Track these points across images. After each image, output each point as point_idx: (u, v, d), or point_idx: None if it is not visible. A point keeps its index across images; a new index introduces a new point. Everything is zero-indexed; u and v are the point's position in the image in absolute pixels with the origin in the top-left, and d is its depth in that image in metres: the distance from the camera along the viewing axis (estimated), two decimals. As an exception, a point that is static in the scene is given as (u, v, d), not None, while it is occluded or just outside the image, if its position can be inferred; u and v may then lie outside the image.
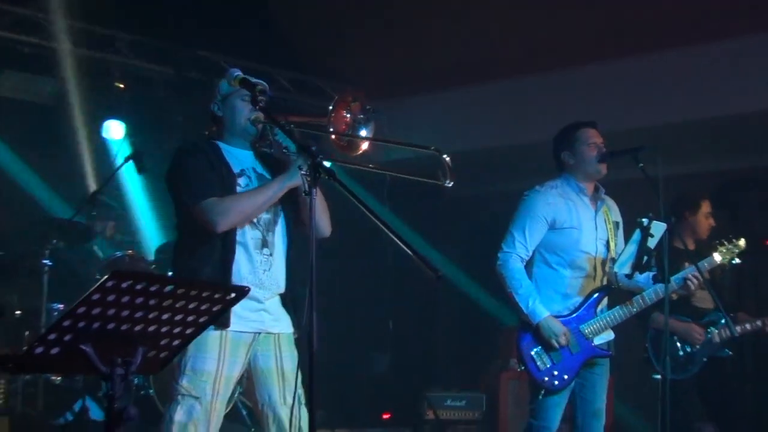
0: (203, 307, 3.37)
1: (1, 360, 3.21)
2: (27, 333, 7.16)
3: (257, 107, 4.30)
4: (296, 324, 4.57)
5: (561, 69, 8.26)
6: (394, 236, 3.99)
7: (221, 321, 4.13)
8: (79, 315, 3.08)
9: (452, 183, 4.24)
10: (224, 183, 4.42)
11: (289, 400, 4.43)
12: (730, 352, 6.61)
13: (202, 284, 3.41)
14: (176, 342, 3.40)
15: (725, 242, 5.85)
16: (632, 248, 5.50)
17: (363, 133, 4.34)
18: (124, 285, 3.09)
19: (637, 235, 5.46)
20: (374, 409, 8.39)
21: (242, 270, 4.42)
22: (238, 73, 4.31)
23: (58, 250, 7.38)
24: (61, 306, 7.16)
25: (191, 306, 3.32)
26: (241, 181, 4.49)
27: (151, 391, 6.75)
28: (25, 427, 6.67)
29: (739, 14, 7.24)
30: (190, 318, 3.35)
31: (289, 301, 4.60)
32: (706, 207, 6.70)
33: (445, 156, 4.27)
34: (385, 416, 8.37)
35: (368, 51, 8.76)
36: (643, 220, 5.40)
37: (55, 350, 3.12)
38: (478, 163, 8.53)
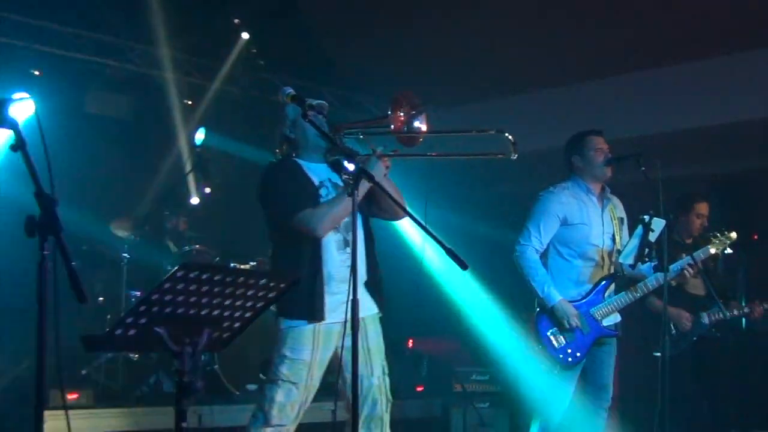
0: (260, 294, 3.38)
1: (86, 340, 3.23)
2: (108, 316, 7.21)
3: (307, 120, 4.32)
4: (379, 304, 4.58)
5: (573, 83, 8.23)
6: (428, 234, 4.01)
7: (316, 316, 4.33)
8: (153, 301, 3.10)
9: (517, 155, 4.28)
10: (312, 193, 4.45)
11: (377, 372, 4.51)
12: (719, 334, 6.58)
13: (258, 274, 3.43)
14: (237, 324, 3.42)
15: (718, 234, 5.83)
16: (635, 242, 5.51)
17: (417, 124, 4.30)
18: (191, 275, 3.11)
19: (639, 230, 5.47)
20: (411, 383, 8.38)
21: (330, 269, 4.44)
22: (290, 90, 4.33)
23: (137, 244, 7.43)
24: (138, 293, 7.20)
25: (249, 293, 3.34)
26: (322, 191, 4.49)
27: (216, 366, 6.76)
28: (107, 398, 6.71)
29: (722, 36, 7.20)
30: (249, 303, 3.37)
31: (372, 285, 4.56)
32: (698, 208, 6.65)
33: (507, 134, 4.31)
34: (419, 389, 8.37)
35: (402, 70, 8.72)
36: (645, 217, 5.42)
37: (132, 332, 3.15)
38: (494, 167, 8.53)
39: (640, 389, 7.28)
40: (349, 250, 4.42)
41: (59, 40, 7.96)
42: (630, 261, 5.56)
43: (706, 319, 6.50)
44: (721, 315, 6.44)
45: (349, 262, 4.34)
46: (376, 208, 4.59)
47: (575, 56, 7.93)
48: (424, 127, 4.31)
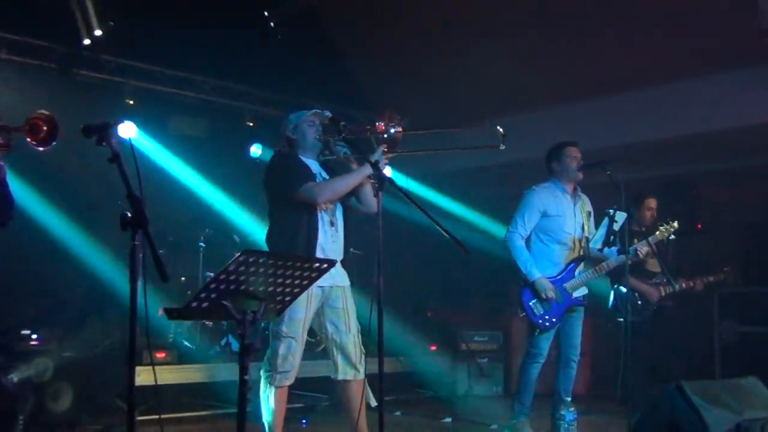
0: (305, 275, 3.40)
1: (171, 311, 3.25)
2: (189, 292, 7.23)
3: (343, 135, 4.36)
4: (351, 280, 4.63)
5: (551, 106, 8.20)
6: (434, 222, 4.01)
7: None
8: (221, 280, 3.12)
9: (505, 146, 4.34)
10: (308, 174, 4.47)
11: (353, 329, 4.54)
12: (671, 303, 6.55)
13: (305, 260, 3.44)
14: (287, 298, 3.43)
15: (665, 223, 5.80)
16: (602, 231, 5.60)
17: (392, 131, 4.29)
18: (250, 260, 3.13)
19: (605, 221, 5.55)
20: (425, 343, 8.37)
21: (321, 242, 4.44)
22: (328, 113, 4.43)
23: (210, 235, 7.47)
24: (211, 274, 7.21)
25: (296, 273, 3.35)
26: (318, 178, 4.53)
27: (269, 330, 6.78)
28: (188, 356, 6.75)
29: (667, 67, 7.17)
30: (296, 281, 3.38)
31: (345, 263, 4.61)
32: (647, 203, 6.64)
33: (498, 127, 4.36)
34: (432, 348, 8.36)
35: (422, 95, 8.71)
36: (610, 210, 5.48)
37: (205, 304, 3.16)
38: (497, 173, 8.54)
39: (609, 347, 7.29)
40: (334, 228, 4.53)
41: (148, 77, 8.03)
42: (598, 246, 5.64)
43: (662, 293, 6.50)
44: (672, 289, 6.46)
45: (335, 238, 4.53)
46: (355, 200, 4.61)
47: (549, 85, 7.91)
48: (400, 130, 4.30)
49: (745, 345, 7.17)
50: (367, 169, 4.34)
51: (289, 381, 4.45)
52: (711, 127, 7.30)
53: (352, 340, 4.51)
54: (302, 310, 4.35)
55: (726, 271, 6.54)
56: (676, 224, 5.80)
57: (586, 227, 5.69)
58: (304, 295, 4.27)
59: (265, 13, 7.76)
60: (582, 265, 5.63)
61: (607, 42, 7.33)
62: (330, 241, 4.48)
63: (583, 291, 5.62)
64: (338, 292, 4.52)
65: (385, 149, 4.25)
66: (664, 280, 6.47)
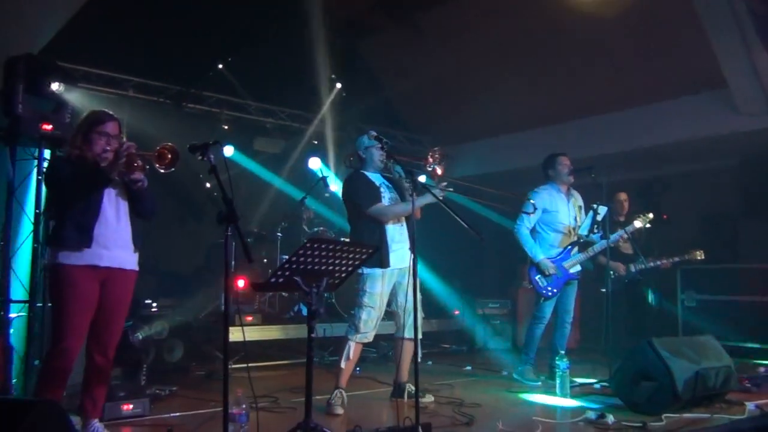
0: (357, 257, 3.40)
1: (255, 285, 3.28)
2: (270, 271, 7.28)
3: (384, 150, 4.39)
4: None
5: (548, 125, 8.09)
6: (456, 216, 4.01)
7: (384, 265, 4.40)
8: (293, 261, 3.14)
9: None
10: (376, 192, 4.53)
11: (418, 297, 4.45)
12: (641, 277, 6.46)
13: (355, 245, 3.43)
14: (344, 275, 3.44)
15: (641, 215, 5.70)
16: (588, 221, 5.59)
17: (437, 169, 4.29)
18: (315, 245, 3.13)
19: (591, 213, 5.52)
20: (449, 308, 8.33)
21: (392, 234, 4.51)
22: (373, 132, 4.44)
23: (285, 227, 7.51)
24: (285, 256, 7.24)
25: (350, 256, 3.36)
26: (382, 190, 4.57)
27: (333, 300, 6.79)
28: (269, 319, 6.78)
29: (644, 91, 7.06)
30: (350, 262, 3.38)
31: (412, 248, 4.52)
32: (618, 197, 6.59)
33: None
34: (456, 312, 8.31)
35: (452, 118, 8.68)
36: (594, 205, 5.48)
37: (281, 279, 3.18)
38: (493, 183, 8.46)
39: (593, 312, 7.22)
40: (400, 223, 4.57)
41: (239, 108, 8.09)
42: (585, 233, 5.59)
43: (633, 269, 6.40)
44: (643, 266, 6.36)
45: (402, 231, 4.56)
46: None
47: (549, 108, 7.80)
48: (440, 171, 4.30)
49: (703, 309, 7.06)
50: (424, 201, 4.32)
51: (368, 340, 4.53)
52: (673, 138, 7.21)
53: (410, 309, 4.46)
54: (378, 285, 4.42)
55: (696, 252, 6.31)
56: (651, 215, 5.70)
57: (578, 218, 5.64)
58: (379, 273, 4.42)
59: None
60: (576, 248, 5.59)
61: (590, 73, 7.25)
62: (398, 234, 4.54)
63: (577, 268, 5.58)
64: (405, 272, 4.50)
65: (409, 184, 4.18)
66: (636, 262, 6.38)
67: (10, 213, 4.21)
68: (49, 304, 3.78)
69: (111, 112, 3.58)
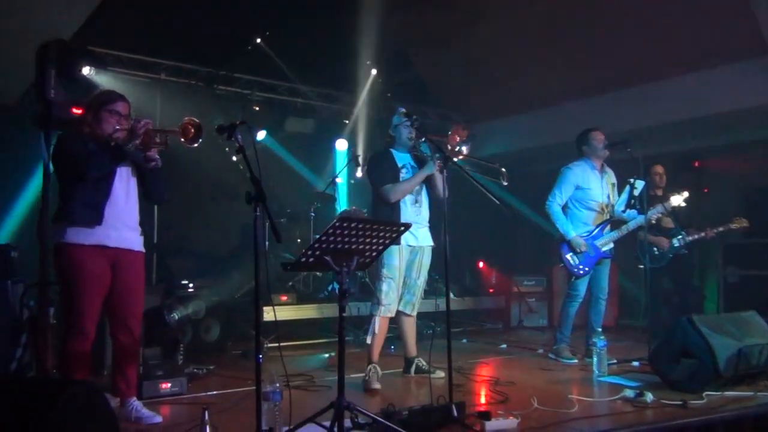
0: (388, 235, 3.36)
1: (287, 264, 3.27)
2: (303, 250, 7.27)
3: (414, 127, 4.38)
4: (433, 239, 4.73)
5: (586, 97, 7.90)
6: (488, 192, 3.95)
7: (398, 241, 4.34)
8: (323, 240, 3.11)
9: (507, 183, 4.41)
10: (393, 172, 4.59)
11: (421, 279, 4.71)
12: (686, 251, 6.27)
13: (387, 224, 3.39)
14: (374, 253, 3.40)
15: (677, 192, 5.56)
16: (625, 196, 5.52)
17: (464, 148, 4.36)
18: (345, 224, 3.10)
19: (627, 188, 5.42)
20: (485, 287, 8.26)
21: (407, 215, 4.55)
22: (403, 109, 4.47)
23: (318, 207, 7.50)
24: (317, 236, 7.24)
25: (381, 234, 3.32)
26: (403, 170, 4.64)
27: (366, 279, 6.77)
28: (303, 298, 6.80)
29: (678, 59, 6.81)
30: (381, 240, 3.34)
31: (429, 227, 4.73)
32: (654, 170, 6.39)
33: (502, 168, 4.41)
34: (491, 291, 8.26)
35: (483, 94, 8.53)
36: (631, 179, 5.37)
37: (311, 259, 3.16)
38: (526, 159, 8.31)
39: (634, 287, 7.11)
40: (418, 204, 4.65)
41: (269, 89, 8.06)
42: (622, 208, 5.50)
43: (677, 243, 6.20)
44: (685, 240, 6.18)
45: (419, 212, 4.63)
46: (430, 186, 4.70)
47: (583, 80, 7.60)
48: (465, 150, 4.38)
49: (745, 285, 6.85)
50: (428, 171, 4.51)
51: (391, 314, 4.59)
52: (712, 110, 6.95)
53: (419, 285, 4.68)
54: (396, 258, 4.51)
55: (737, 220, 6.07)
56: (686, 193, 5.57)
57: (611, 196, 5.52)
58: (396, 249, 4.49)
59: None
60: (609, 226, 5.46)
61: (624, 44, 7.02)
62: (413, 215, 4.60)
63: (610, 246, 5.45)
64: (419, 251, 4.64)
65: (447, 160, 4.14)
66: (679, 236, 6.19)
67: (47, 196, 4.26)
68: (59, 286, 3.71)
69: (121, 93, 3.56)
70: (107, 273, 3.41)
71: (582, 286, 5.42)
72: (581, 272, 5.35)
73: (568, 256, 5.37)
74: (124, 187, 3.50)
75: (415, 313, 4.73)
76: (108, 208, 3.39)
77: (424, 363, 4.70)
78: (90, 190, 3.35)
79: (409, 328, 4.75)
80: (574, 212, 5.46)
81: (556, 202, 5.41)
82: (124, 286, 3.48)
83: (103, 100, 3.49)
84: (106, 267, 3.41)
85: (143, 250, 3.61)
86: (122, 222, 3.46)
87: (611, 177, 5.58)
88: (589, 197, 5.42)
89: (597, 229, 5.41)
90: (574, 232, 5.35)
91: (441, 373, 4.51)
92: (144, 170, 3.53)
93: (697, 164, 7.96)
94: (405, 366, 4.84)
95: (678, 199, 5.51)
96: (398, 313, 4.69)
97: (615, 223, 5.47)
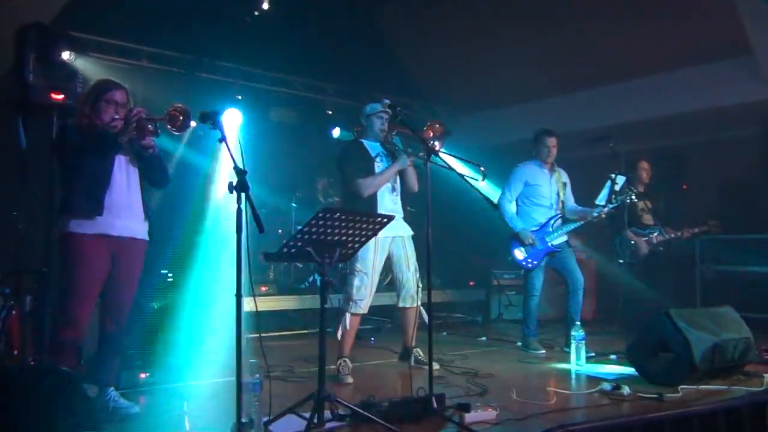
0: (370, 227, 3.37)
1: (266, 255, 3.26)
2: (284, 241, 7.26)
3: (398, 119, 4.36)
4: (411, 228, 4.68)
5: (567, 93, 7.92)
6: (469, 184, 3.96)
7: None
8: (305, 232, 3.11)
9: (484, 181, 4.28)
10: (367, 164, 4.51)
11: (412, 269, 4.61)
12: (662, 248, 6.32)
13: (370, 216, 3.40)
14: (356, 245, 3.41)
15: (628, 189, 5.57)
16: (606, 191, 5.56)
17: (437, 143, 4.18)
18: (328, 215, 3.10)
19: (608, 183, 5.50)
20: (465, 279, 8.31)
21: (385, 204, 4.51)
22: (387, 100, 4.46)
23: (299, 198, 7.48)
24: (300, 227, 7.21)
25: (363, 226, 3.32)
26: (377, 160, 4.58)
27: (346, 270, 6.75)
28: (284, 289, 6.80)
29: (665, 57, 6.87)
30: (363, 232, 3.35)
31: (405, 217, 4.69)
32: (641, 165, 6.41)
33: (481, 167, 4.30)
34: (471, 283, 8.30)
35: (469, 87, 8.54)
36: (612, 175, 5.46)
37: (293, 250, 3.15)
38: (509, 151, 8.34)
39: (611, 283, 7.17)
40: (395, 193, 4.60)
41: (253, 77, 8.00)
42: (603, 202, 5.57)
43: (654, 241, 6.26)
44: (662, 237, 6.24)
45: (396, 201, 4.59)
46: (403, 179, 4.66)
47: (567, 76, 7.64)
48: (437, 146, 4.16)
49: (722, 281, 6.96)
50: (401, 165, 4.49)
51: (362, 311, 4.49)
52: (694, 107, 7.05)
53: (411, 277, 4.58)
54: (371, 252, 4.41)
55: (712, 223, 6.24)
56: (634, 190, 5.62)
57: (561, 193, 5.65)
58: (372, 242, 4.35)
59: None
60: (559, 221, 5.60)
61: (609, 39, 7.08)
62: (391, 203, 4.55)
63: (562, 239, 5.59)
64: (400, 242, 4.58)
65: (422, 155, 4.09)
66: (656, 233, 6.26)
67: (25, 182, 4.20)
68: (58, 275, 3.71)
69: (119, 81, 3.54)
70: (107, 263, 3.42)
71: (537, 281, 5.56)
72: (530, 265, 5.51)
73: (516, 251, 5.54)
74: (125, 176, 3.49)
75: (416, 304, 4.60)
76: (108, 197, 3.39)
77: (422, 354, 4.70)
78: (89, 181, 3.36)
79: (410, 319, 4.65)
80: (524, 209, 5.65)
81: (506, 199, 5.60)
82: (121, 275, 3.48)
83: (100, 90, 3.49)
84: (106, 257, 3.41)
85: (147, 238, 3.61)
86: (126, 210, 3.46)
87: (562, 176, 5.72)
88: (537, 194, 5.59)
89: (544, 224, 5.57)
90: (522, 225, 5.53)
91: (436, 365, 4.51)
92: (143, 157, 3.51)
93: (677, 161, 8.04)
94: (402, 353, 4.84)
95: (628, 195, 5.50)
96: (399, 308, 4.67)
97: (564, 219, 5.61)
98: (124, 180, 3.48)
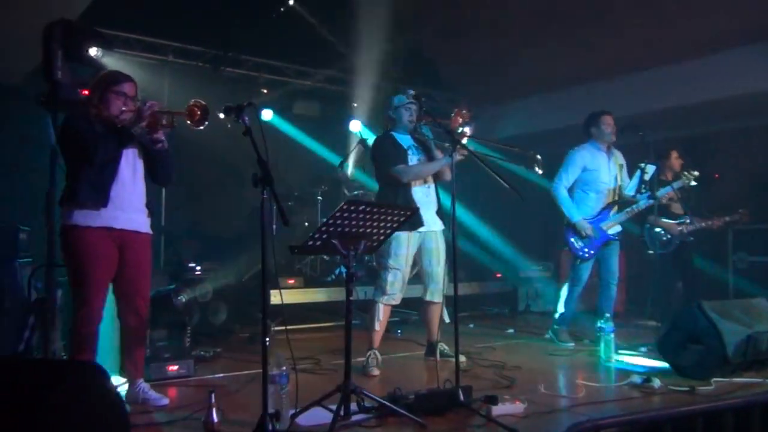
0: (395, 219, 3.34)
1: (292, 248, 3.24)
2: (310, 234, 7.26)
3: (422, 110, 4.32)
4: (443, 223, 4.60)
5: (596, 81, 7.78)
6: (497, 176, 3.88)
7: (411, 227, 4.34)
8: (330, 224, 3.09)
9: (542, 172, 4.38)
10: (400, 156, 4.48)
11: (442, 264, 4.56)
12: (692, 239, 6.18)
13: (395, 207, 3.37)
14: (381, 237, 3.39)
15: (686, 173, 5.50)
16: (635, 181, 5.41)
17: (467, 129, 4.22)
18: (353, 207, 3.08)
19: (638, 173, 5.34)
20: (492, 272, 8.24)
21: (417, 197, 4.45)
22: (411, 91, 4.42)
23: (325, 191, 7.48)
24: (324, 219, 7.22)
25: (389, 218, 3.30)
26: (410, 152, 4.54)
27: (373, 263, 6.75)
28: (310, 282, 6.81)
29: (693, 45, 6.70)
30: (388, 224, 3.33)
31: (438, 212, 4.59)
32: (674, 154, 6.29)
33: (537, 155, 4.35)
34: (498, 275, 8.23)
35: (493, 77, 8.45)
36: (642, 164, 5.30)
37: (318, 242, 3.14)
38: (536, 142, 8.23)
39: (641, 273, 7.05)
40: (427, 187, 4.53)
41: (277, 71, 8.01)
42: (632, 193, 5.42)
43: (685, 230, 6.12)
44: (693, 226, 6.10)
45: (428, 195, 4.53)
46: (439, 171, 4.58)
47: (594, 64, 7.50)
48: (468, 131, 4.25)
49: (754, 271, 6.81)
50: (445, 161, 4.40)
51: (395, 301, 4.54)
52: (724, 94, 6.83)
53: (440, 272, 4.55)
54: (404, 247, 4.41)
55: (742, 212, 6.11)
56: (696, 173, 5.51)
57: (618, 177, 5.46)
58: (405, 236, 4.39)
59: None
60: (616, 208, 5.41)
61: (637, 27, 6.92)
62: (424, 196, 4.51)
63: (616, 229, 5.41)
64: (431, 236, 4.55)
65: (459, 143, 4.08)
66: (687, 221, 6.11)
67: (54, 178, 4.24)
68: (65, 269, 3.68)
69: (127, 74, 3.51)
70: (114, 254, 3.39)
71: (585, 272, 5.39)
72: (586, 255, 5.31)
73: (573, 240, 5.34)
74: (131, 169, 3.47)
75: (441, 299, 4.58)
76: (114, 189, 3.36)
77: (447, 348, 4.69)
78: (96, 172, 3.32)
79: (434, 313, 4.61)
80: (581, 195, 5.42)
81: (562, 185, 5.36)
82: (132, 267, 3.46)
83: (108, 81, 3.43)
84: (113, 248, 3.38)
85: (150, 231, 3.59)
86: (129, 203, 3.44)
87: (619, 158, 5.52)
88: (596, 179, 5.36)
89: (603, 212, 5.38)
90: (579, 215, 5.31)
91: (462, 358, 4.47)
92: (151, 152, 3.50)
93: (707, 150, 7.88)
94: (427, 350, 4.82)
95: (687, 180, 5.46)
96: (425, 302, 4.64)
97: (623, 205, 5.41)
98: (130, 173, 3.46)
